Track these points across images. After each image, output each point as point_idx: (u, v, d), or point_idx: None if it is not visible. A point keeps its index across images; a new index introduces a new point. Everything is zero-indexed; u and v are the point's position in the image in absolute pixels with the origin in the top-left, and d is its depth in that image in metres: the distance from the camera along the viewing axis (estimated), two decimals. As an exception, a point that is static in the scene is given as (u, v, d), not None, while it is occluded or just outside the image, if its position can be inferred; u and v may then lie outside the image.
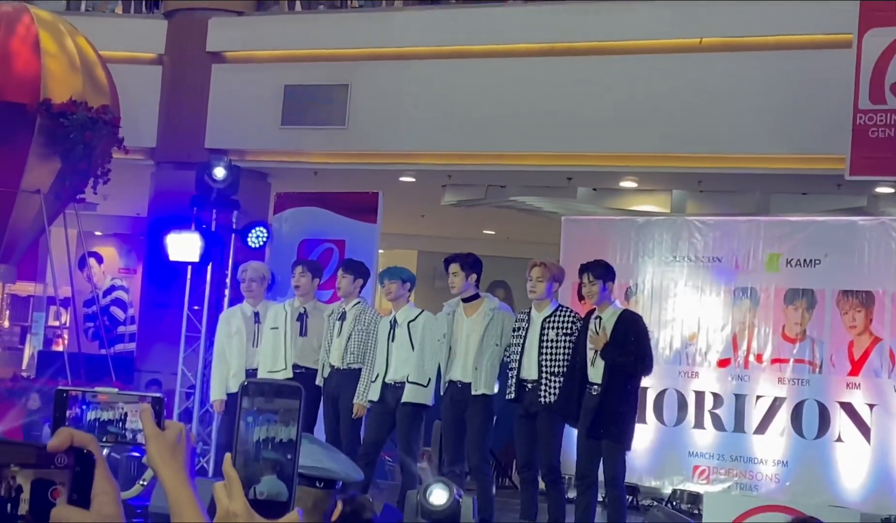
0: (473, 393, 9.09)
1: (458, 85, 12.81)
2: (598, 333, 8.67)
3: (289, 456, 1.66)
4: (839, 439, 10.51)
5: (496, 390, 9.17)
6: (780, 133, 11.49)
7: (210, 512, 1.73)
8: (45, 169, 11.99)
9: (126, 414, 1.91)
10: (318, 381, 9.96)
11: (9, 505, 1.32)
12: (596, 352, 8.70)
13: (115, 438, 1.93)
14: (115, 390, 1.91)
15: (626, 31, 12.15)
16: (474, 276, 9.31)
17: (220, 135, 13.84)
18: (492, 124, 12.58)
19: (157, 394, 1.88)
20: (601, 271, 8.98)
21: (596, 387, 8.65)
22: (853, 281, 10.65)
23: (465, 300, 9.33)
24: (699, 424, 11.20)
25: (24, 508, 1.33)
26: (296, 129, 13.47)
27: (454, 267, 9.31)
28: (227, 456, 1.68)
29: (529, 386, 8.95)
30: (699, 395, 11.24)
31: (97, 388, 1.90)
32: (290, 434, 1.67)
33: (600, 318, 8.79)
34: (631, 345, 8.63)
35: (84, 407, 1.91)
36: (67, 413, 1.90)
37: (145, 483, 2.03)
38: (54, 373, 12.18)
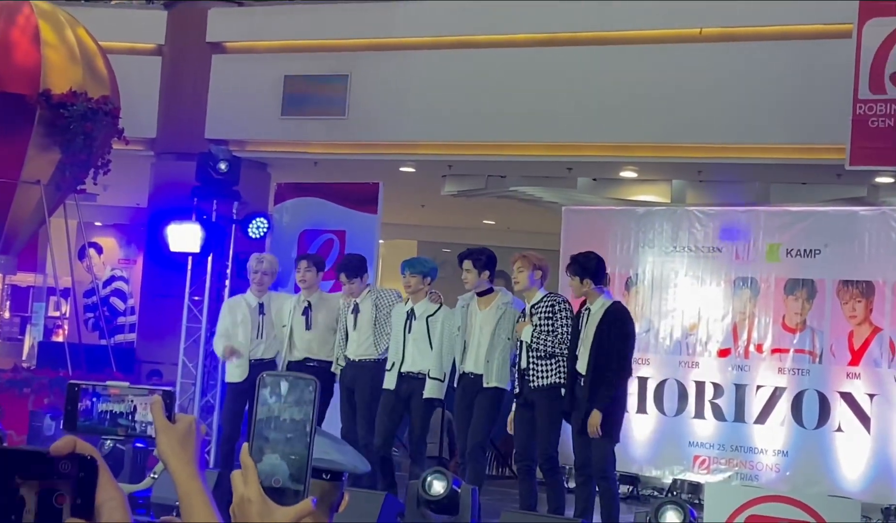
0: (485, 385, 9.10)
1: (458, 75, 12.80)
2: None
3: (289, 436, 1.69)
4: (839, 429, 10.53)
5: (509, 386, 9.18)
6: (780, 123, 11.49)
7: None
8: (45, 159, 11.99)
9: (136, 407, 1.92)
10: (334, 369, 9.99)
11: (12, 516, 1.32)
12: (586, 346, 8.67)
13: (125, 431, 1.95)
14: (126, 384, 1.93)
15: (627, 20, 12.14)
16: (487, 273, 9.29)
17: (220, 126, 13.84)
18: (492, 114, 12.57)
19: (168, 388, 1.90)
20: (576, 267, 8.91)
21: (582, 378, 8.66)
22: (853, 271, 10.66)
23: (479, 293, 9.33)
24: (699, 414, 11.22)
25: (28, 519, 1.32)
26: (296, 120, 13.47)
27: (467, 263, 9.30)
28: (245, 445, 1.71)
29: (527, 375, 8.97)
30: (699, 385, 11.26)
31: (108, 382, 1.92)
32: (298, 415, 1.69)
33: (589, 309, 8.78)
34: (613, 343, 8.62)
35: (95, 399, 1.93)
36: (79, 405, 1.92)
37: (156, 475, 2.04)
38: (54, 363, 12.18)
